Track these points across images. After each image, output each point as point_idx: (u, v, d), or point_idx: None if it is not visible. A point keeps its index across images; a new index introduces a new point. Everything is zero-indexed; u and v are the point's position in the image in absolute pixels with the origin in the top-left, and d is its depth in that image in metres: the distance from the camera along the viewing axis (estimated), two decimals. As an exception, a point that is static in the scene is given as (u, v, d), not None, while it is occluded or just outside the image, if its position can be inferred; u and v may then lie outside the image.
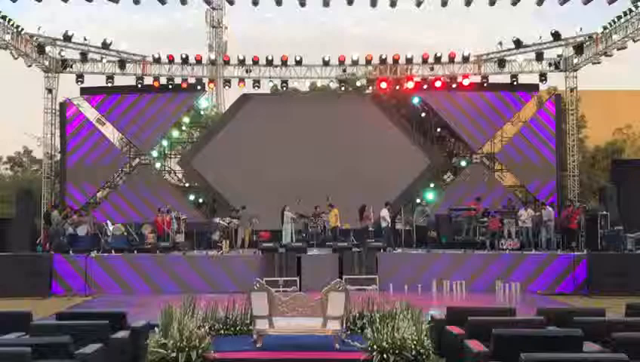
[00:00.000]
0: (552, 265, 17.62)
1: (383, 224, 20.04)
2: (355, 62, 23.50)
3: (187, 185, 26.30)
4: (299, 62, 23.28)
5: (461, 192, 23.50)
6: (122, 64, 23.03)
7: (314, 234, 20.59)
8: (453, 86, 23.70)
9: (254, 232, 21.23)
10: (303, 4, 18.88)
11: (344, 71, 24.26)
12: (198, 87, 24.15)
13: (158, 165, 25.35)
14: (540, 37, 22.20)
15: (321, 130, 23.66)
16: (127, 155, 25.45)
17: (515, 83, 23.71)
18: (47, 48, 22.33)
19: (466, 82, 23.66)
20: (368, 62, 23.50)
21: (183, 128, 27.16)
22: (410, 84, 23.91)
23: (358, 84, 25.37)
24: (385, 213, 20.21)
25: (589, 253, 18.11)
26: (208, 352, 7.88)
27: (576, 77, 23.53)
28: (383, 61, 23.28)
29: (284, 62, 23.25)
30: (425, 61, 23.27)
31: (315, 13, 19.28)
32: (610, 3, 17.60)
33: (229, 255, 19.03)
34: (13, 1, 18.11)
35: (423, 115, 25.80)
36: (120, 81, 23.71)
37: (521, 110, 25.05)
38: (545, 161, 23.78)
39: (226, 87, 24.65)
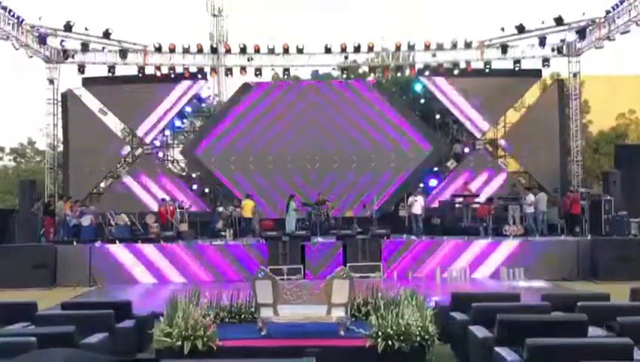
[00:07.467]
0: (556, 251, 17.62)
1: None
2: (356, 50, 23.38)
3: (190, 174, 26.26)
4: (300, 50, 23.17)
5: (464, 179, 23.47)
6: (123, 54, 22.92)
7: (317, 222, 20.60)
8: (456, 72, 23.59)
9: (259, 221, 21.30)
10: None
11: (346, 58, 24.15)
12: (200, 76, 24.07)
13: (160, 155, 25.31)
14: (543, 22, 21.97)
15: (323, 118, 23.64)
16: (130, 145, 25.43)
17: (517, 68, 23.51)
18: (48, 39, 22.24)
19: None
20: (370, 49, 23.38)
21: (185, 117, 27.10)
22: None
23: (360, 71, 25.22)
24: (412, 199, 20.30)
25: (593, 238, 18.10)
26: (213, 340, 7.89)
27: (579, 62, 23.35)
28: (384, 48, 23.13)
29: (285, 50, 23.14)
30: (427, 47, 23.11)
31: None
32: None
33: (232, 244, 19.06)
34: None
35: (425, 101, 25.73)
36: (121, 70, 23.61)
37: (524, 96, 24.95)
38: (548, 147, 23.66)
39: (228, 76, 24.59)
